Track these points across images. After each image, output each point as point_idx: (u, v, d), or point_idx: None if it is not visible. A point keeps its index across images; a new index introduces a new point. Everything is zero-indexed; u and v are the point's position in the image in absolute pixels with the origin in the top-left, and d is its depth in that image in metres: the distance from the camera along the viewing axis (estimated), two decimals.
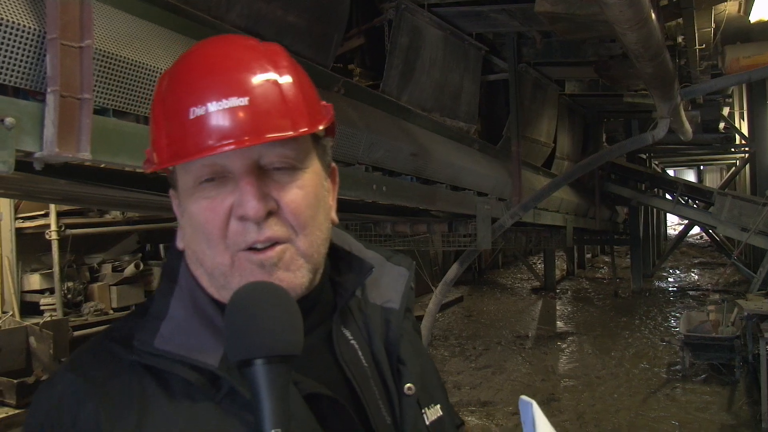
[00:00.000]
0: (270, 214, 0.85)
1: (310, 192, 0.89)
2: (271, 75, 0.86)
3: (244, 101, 0.83)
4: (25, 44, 1.83)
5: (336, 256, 1.02)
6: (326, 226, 0.94)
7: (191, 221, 0.88)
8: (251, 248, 0.86)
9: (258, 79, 0.85)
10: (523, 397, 1.02)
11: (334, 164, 1.00)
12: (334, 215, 0.97)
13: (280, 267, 0.86)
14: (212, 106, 0.82)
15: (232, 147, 0.81)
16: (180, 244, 0.94)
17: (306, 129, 0.87)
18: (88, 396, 0.82)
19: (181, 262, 0.94)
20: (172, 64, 0.91)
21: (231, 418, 0.82)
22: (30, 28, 1.83)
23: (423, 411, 0.97)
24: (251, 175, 0.85)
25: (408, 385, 0.96)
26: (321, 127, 0.91)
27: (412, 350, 1.02)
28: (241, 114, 0.82)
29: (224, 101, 0.82)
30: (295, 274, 0.87)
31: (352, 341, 0.96)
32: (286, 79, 0.87)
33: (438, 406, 1.00)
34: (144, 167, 0.92)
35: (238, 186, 0.85)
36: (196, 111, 0.83)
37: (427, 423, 0.97)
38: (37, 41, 1.84)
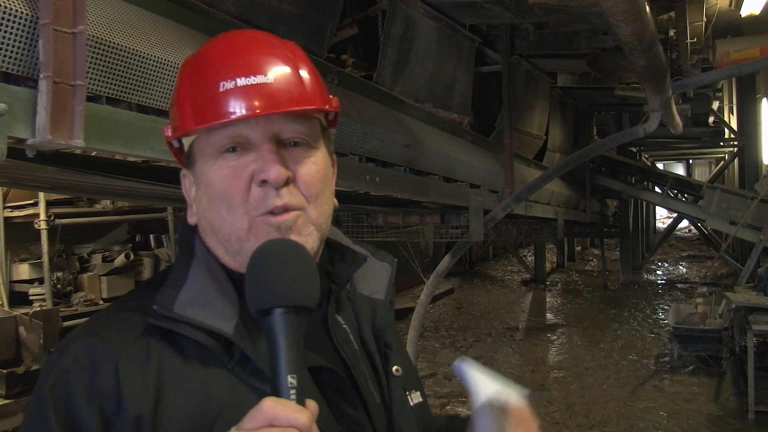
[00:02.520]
0: (287, 182, 0.92)
1: (321, 168, 0.98)
2: (292, 63, 0.96)
3: (269, 79, 0.92)
4: (17, 29, 1.80)
5: (329, 248, 1.09)
6: (332, 202, 1.02)
7: (210, 189, 0.94)
8: (268, 212, 0.93)
9: (281, 64, 0.95)
10: (455, 363, 1.03)
11: (334, 155, 1.08)
12: (335, 199, 1.05)
13: (293, 231, 0.93)
14: (241, 81, 0.91)
15: (257, 113, 0.90)
16: (192, 219, 1.01)
17: (317, 106, 0.96)
18: (106, 357, 0.85)
19: (194, 236, 1.00)
20: (197, 52, 1.00)
21: (241, 384, 0.88)
22: (22, 12, 1.80)
23: (407, 393, 1.05)
24: (272, 143, 0.93)
25: (396, 367, 1.04)
26: (330, 108, 1.00)
27: (396, 338, 1.11)
28: (267, 89, 0.91)
29: (252, 78, 0.91)
30: (306, 239, 0.94)
31: (344, 326, 1.03)
32: (303, 69, 0.97)
33: (418, 392, 1.07)
34: (166, 136, 1.00)
35: (259, 154, 0.93)
36: (226, 85, 0.91)
37: (411, 404, 1.04)
38: (30, 26, 1.82)
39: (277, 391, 0.76)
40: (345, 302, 1.07)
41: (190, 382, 0.87)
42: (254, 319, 0.89)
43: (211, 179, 0.94)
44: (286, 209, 0.92)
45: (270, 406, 0.72)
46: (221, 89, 0.91)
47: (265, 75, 0.92)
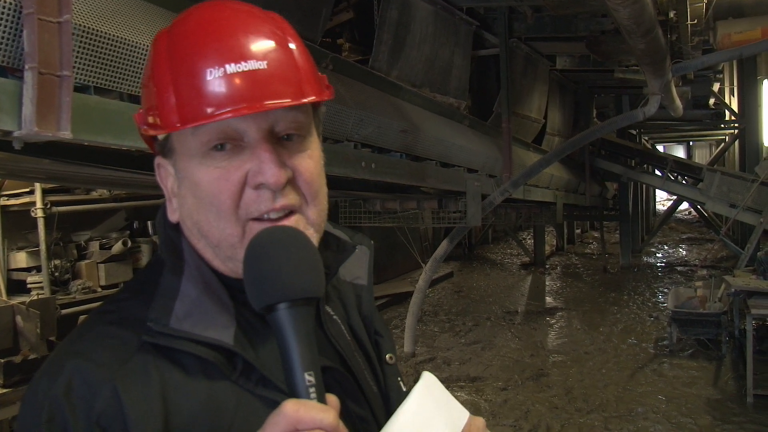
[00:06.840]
0: (287, 182, 0.84)
1: (317, 161, 0.90)
2: (283, 41, 0.86)
3: (263, 65, 0.81)
4: (1, 19, 1.77)
5: None
6: (327, 196, 0.93)
7: (197, 191, 0.85)
8: (262, 219, 0.84)
9: (272, 43, 0.84)
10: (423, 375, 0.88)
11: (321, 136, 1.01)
12: None
13: None
14: (230, 68, 0.80)
15: (256, 108, 0.80)
16: (173, 216, 0.91)
17: (314, 97, 0.86)
18: (102, 380, 0.78)
19: (180, 237, 0.91)
20: (170, 26, 0.88)
21: (247, 394, 0.83)
22: (5, 2, 1.76)
23: (399, 379, 1.01)
24: (269, 142, 0.83)
25: (389, 355, 1.02)
26: (327, 96, 0.90)
27: (383, 324, 1.07)
28: (261, 77, 0.81)
29: (243, 63, 0.81)
30: None
31: (335, 317, 0.98)
32: (295, 47, 0.87)
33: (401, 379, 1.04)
34: (145, 130, 0.87)
35: (254, 153, 0.83)
36: (214, 72, 0.80)
37: (404, 390, 1.00)
38: (13, 16, 1.78)
39: (295, 392, 0.71)
40: (331, 292, 1.01)
41: (196, 397, 0.81)
42: (253, 323, 0.86)
43: (198, 180, 0.84)
44: (285, 212, 0.85)
45: (292, 409, 0.67)
46: (208, 77, 0.80)
47: (258, 59, 0.81)
